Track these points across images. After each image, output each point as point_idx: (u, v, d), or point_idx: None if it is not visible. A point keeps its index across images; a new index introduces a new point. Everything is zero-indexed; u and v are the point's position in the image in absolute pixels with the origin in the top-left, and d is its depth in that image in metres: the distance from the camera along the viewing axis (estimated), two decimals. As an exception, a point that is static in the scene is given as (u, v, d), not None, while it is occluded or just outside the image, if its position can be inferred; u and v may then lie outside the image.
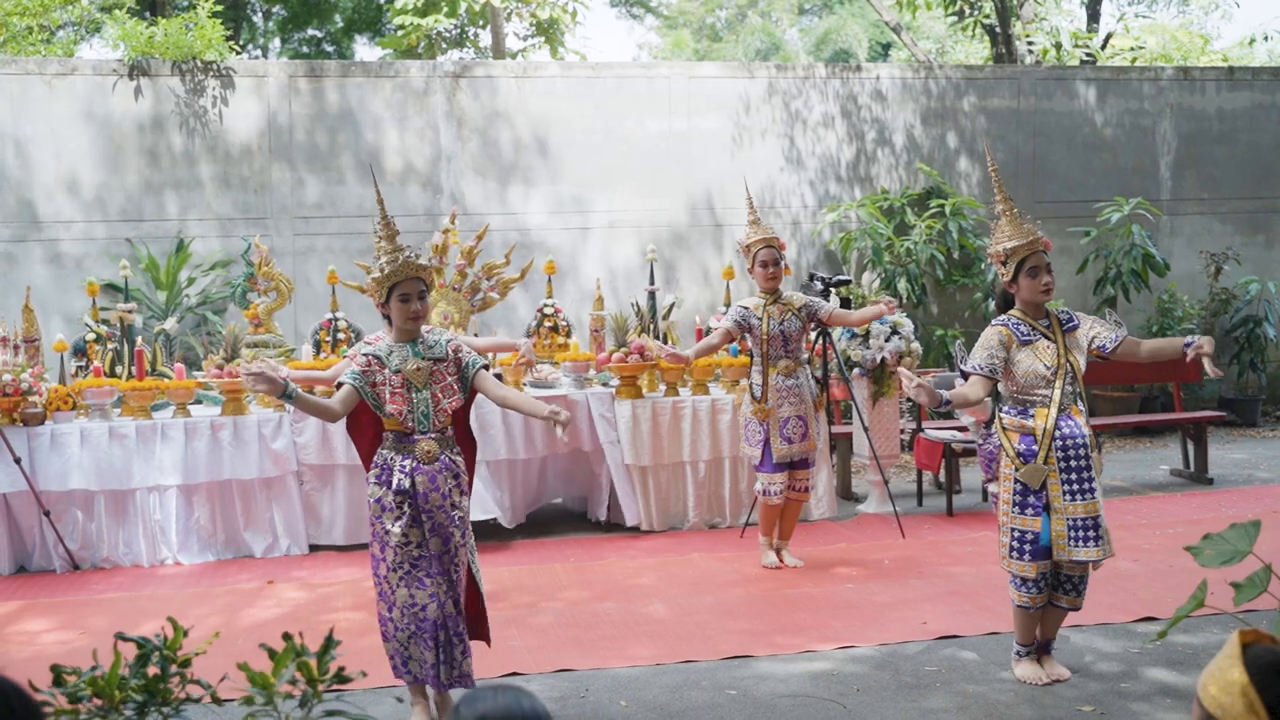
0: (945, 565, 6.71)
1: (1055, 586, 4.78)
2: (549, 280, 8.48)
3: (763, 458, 6.58)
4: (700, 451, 7.80)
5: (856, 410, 7.96)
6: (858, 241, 10.80)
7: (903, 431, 8.81)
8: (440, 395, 4.39)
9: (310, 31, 21.53)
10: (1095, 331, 4.77)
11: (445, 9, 16.07)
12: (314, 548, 7.45)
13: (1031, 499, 4.68)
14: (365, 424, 4.54)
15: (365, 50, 22.18)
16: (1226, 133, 12.32)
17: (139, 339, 7.76)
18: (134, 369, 7.49)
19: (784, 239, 10.90)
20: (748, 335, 6.64)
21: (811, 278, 7.79)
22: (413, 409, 4.34)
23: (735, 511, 7.86)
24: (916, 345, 8.24)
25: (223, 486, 7.33)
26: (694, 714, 4.57)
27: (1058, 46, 14.48)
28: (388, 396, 4.32)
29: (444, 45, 17.09)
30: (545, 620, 5.84)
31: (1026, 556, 4.70)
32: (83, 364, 7.75)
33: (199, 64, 10.25)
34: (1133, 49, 15.26)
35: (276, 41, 21.89)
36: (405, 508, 4.33)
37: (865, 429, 7.91)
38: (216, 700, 2.87)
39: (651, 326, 8.36)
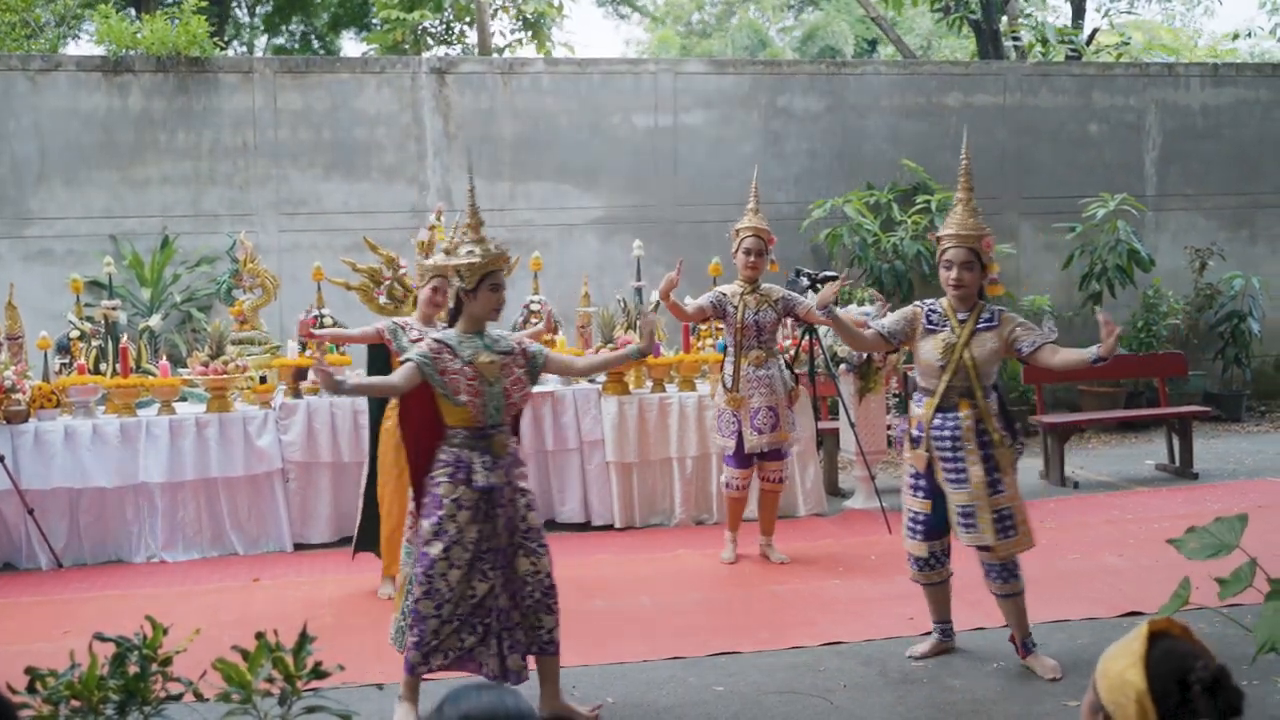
0: (931, 561, 6.70)
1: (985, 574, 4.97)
2: (535, 276, 8.46)
3: (736, 449, 6.62)
4: (687, 448, 7.80)
5: (843, 406, 7.96)
6: (844, 237, 10.80)
7: (889, 427, 8.80)
8: (511, 389, 4.39)
9: (295, 27, 21.42)
10: (1017, 334, 4.85)
11: (431, 4, 16.03)
12: (299, 546, 7.42)
13: (922, 481, 4.91)
14: (414, 412, 4.45)
15: (351, 46, 22.10)
16: (1211, 129, 12.36)
17: (123, 336, 7.72)
18: (118, 366, 7.45)
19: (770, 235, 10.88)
20: (722, 323, 6.68)
21: (798, 273, 7.78)
22: (486, 403, 4.32)
23: (722, 508, 7.84)
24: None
25: (208, 484, 7.30)
26: (681, 710, 4.56)
27: (1043, 42, 14.49)
28: (462, 387, 4.29)
29: (430, 41, 17.03)
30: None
31: (918, 536, 4.97)
32: (67, 361, 7.70)
33: (183, 60, 10.20)
34: (1118, 45, 15.29)
35: (262, 37, 21.79)
36: (482, 504, 4.32)
37: (852, 425, 7.91)
38: (199, 697, 2.85)
39: (638, 323, 8.35)
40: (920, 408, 4.91)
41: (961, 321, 4.86)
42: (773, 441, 6.61)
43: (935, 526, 4.93)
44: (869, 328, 5.06)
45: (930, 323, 4.89)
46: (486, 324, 4.48)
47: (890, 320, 4.98)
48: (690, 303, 6.66)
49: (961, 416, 4.80)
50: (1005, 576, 4.89)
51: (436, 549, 4.30)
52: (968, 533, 4.83)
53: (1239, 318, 11.67)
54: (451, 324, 4.50)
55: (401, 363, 4.42)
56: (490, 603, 4.34)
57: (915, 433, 4.92)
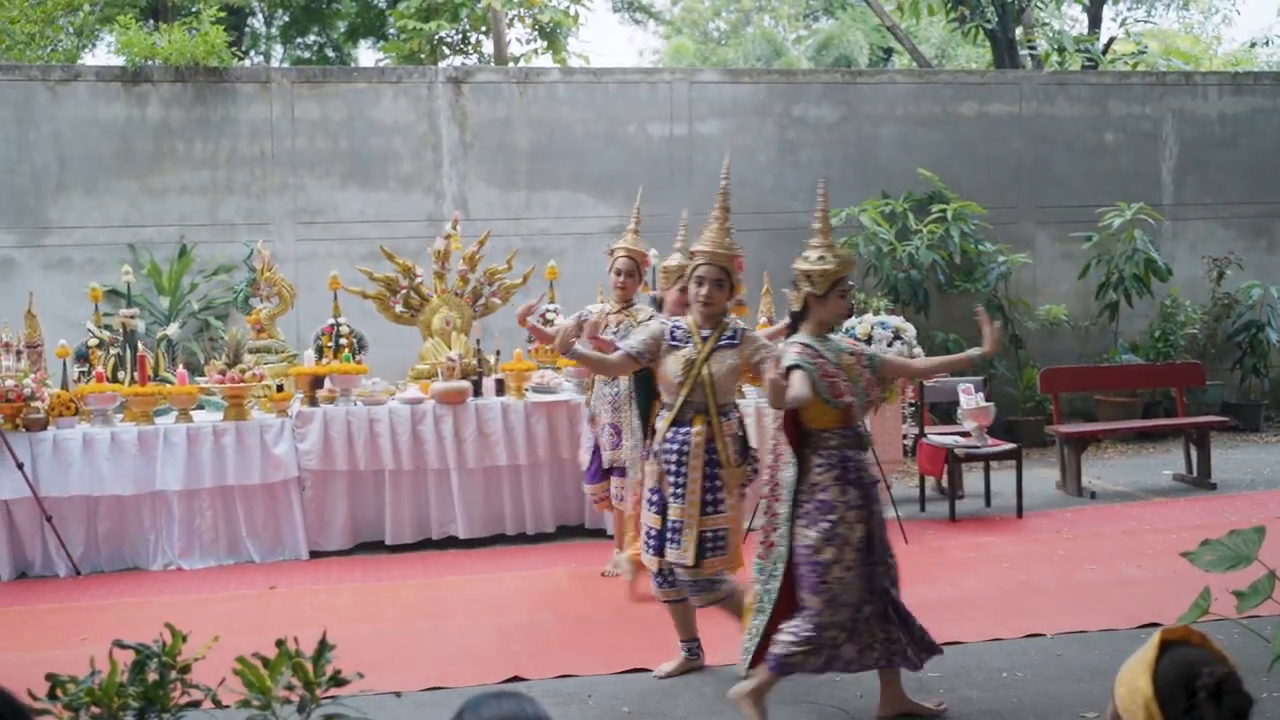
0: (948, 571, 6.69)
1: None
2: (551, 285, 8.47)
3: (590, 465, 6.74)
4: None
5: (859, 415, 7.94)
6: (860, 246, 10.79)
7: (905, 437, 8.78)
8: (869, 389, 4.44)
9: (312, 38, 21.53)
10: (761, 356, 4.82)
11: (447, 14, 16.09)
12: (315, 553, 7.44)
13: (655, 496, 4.89)
14: (790, 419, 4.39)
15: (367, 56, 22.20)
16: (1228, 137, 12.31)
17: (141, 344, 7.76)
18: (136, 374, 7.49)
19: (775, 246, 10.87)
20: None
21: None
22: (860, 403, 4.39)
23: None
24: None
25: (224, 492, 7.32)
26: (696, 719, 4.56)
27: (1060, 51, 14.47)
28: (843, 390, 4.32)
29: (446, 51, 17.10)
30: (547, 625, 5.83)
31: (650, 551, 4.92)
32: (85, 370, 7.75)
33: (202, 70, 10.26)
34: (1134, 54, 15.25)
35: (279, 48, 21.91)
36: (866, 501, 4.34)
37: (867, 434, 7.88)
38: (217, 704, 2.86)
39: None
40: (661, 422, 4.91)
41: (704, 338, 4.87)
42: (614, 459, 6.51)
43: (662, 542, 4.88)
44: (616, 349, 5.03)
45: (674, 339, 4.90)
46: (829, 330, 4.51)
47: (635, 340, 4.95)
48: (556, 327, 6.70)
49: (693, 432, 4.80)
50: (708, 589, 4.87)
51: (829, 554, 4.25)
52: (672, 548, 4.79)
53: (1257, 327, 11.62)
54: (792, 330, 4.50)
55: (788, 370, 4.28)
56: (884, 595, 4.37)
57: (657, 447, 4.88)
